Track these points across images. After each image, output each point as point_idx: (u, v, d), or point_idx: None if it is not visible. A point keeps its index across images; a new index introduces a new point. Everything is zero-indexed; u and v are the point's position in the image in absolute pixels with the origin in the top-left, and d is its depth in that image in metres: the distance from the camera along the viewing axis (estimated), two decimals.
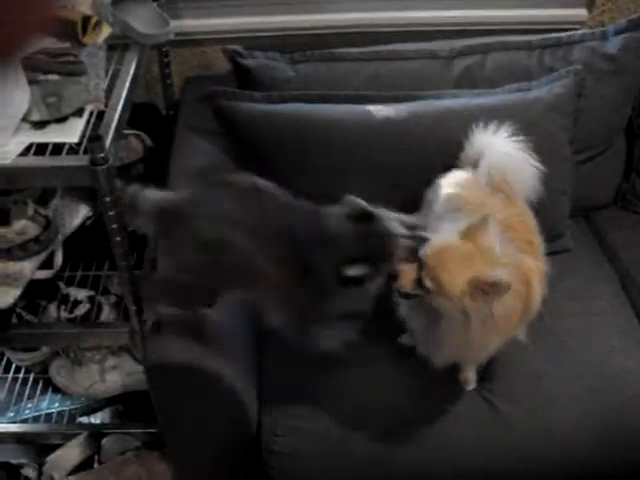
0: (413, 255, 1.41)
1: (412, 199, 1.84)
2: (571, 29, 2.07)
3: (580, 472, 1.64)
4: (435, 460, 1.60)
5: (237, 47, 1.94)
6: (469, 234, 1.40)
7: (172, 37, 1.88)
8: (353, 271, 1.33)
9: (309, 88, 1.90)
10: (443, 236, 1.44)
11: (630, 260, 1.97)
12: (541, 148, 1.74)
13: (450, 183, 1.70)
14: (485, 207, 1.55)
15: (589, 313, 1.81)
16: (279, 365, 1.70)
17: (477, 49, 1.97)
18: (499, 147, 1.68)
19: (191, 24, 2.12)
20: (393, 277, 1.43)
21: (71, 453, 1.92)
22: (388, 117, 1.82)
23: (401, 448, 1.59)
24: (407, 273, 1.42)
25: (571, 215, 1.98)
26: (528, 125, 1.82)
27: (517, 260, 1.47)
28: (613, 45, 1.94)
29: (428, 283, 1.39)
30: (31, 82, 1.49)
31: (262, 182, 1.44)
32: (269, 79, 1.93)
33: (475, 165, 1.69)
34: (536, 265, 1.52)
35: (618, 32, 1.95)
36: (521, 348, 1.61)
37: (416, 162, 1.83)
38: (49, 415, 2.04)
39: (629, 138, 2.09)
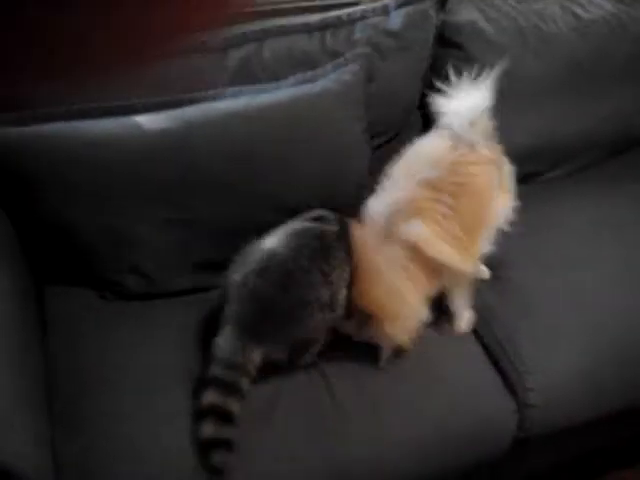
0: None
1: (203, 215, 1.66)
2: (354, 3, 1.91)
3: None
4: None
5: None
6: None
7: None
8: None
9: (57, 102, 1.60)
10: None
11: None
12: (333, 142, 1.64)
13: None
14: None
15: None
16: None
17: (252, 36, 1.76)
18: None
19: None
20: None
21: None
22: (162, 129, 1.59)
23: None
24: None
25: None
26: (317, 120, 1.68)
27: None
28: (395, 20, 1.80)
29: None
30: None
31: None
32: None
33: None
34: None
35: (400, 5, 1.81)
36: None
37: (204, 176, 1.62)
38: None
39: (424, 114, 1.98)
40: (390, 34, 1.79)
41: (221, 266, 1.73)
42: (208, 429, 1.39)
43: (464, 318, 1.72)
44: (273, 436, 1.47)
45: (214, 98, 1.66)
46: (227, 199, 1.65)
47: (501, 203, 1.65)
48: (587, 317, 1.72)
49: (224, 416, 1.41)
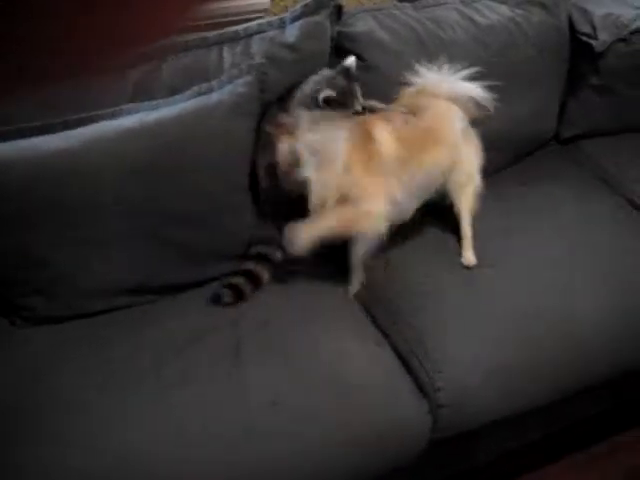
0: None
1: (108, 233, 1.67)
2: (257, 18, 1.95)
3: None
4: None
5: None
6: None
7: None
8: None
9: None
10: None
11: None
12: (229, 153, 1.65)
13: None
14: None
15: None
16: None
17: (150, 54, 1.78)
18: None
19: None
20: None
21: None
22: (60, 149, 1.61)
23: None
24: None
25: None
26: (213, 131, 1.70)
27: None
28: (292, 33, 1.82)
29: None
30: None
31: None
32: None
33: None
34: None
35: (295, 19, 1.84)
36: None
37: (105, 194, 1.63)
38: None
39: None
40: (286, 46, 1.81)
41: (133, 286, 1.73)
42: (235, 279, 1.74)
43: (353, 284, 1.78)
44: None
45: (112, 116, 1.68)
46: (131, 215, 1.66)
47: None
48: (495, 314, 1.73)
49: (254, 278, 1.75)
